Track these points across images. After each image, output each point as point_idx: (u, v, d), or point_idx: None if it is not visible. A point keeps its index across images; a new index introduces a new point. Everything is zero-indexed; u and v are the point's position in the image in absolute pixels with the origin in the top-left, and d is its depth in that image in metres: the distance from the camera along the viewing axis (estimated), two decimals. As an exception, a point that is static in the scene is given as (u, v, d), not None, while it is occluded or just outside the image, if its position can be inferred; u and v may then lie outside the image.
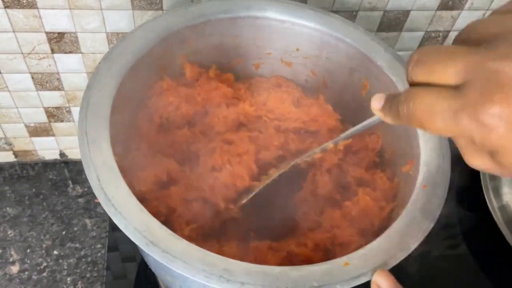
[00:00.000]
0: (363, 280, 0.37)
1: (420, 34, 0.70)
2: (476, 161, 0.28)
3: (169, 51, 0.52)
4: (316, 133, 0.56)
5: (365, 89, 0.55)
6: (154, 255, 0.36)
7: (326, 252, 0.46)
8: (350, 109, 0.57)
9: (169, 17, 0.52)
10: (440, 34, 0.71)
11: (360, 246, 0.42)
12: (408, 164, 0.48)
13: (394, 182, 0.50)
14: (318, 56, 0.57)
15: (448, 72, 0.27)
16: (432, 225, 0.40)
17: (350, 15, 0.65)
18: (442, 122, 0.27)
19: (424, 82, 0.28)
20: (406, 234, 0.40)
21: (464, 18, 0.69)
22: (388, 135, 0.54)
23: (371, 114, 0.55)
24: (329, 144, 0.49)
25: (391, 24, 0.67)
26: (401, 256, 0.38)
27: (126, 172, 0.42)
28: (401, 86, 0.50)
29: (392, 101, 0.32)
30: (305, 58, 0.58)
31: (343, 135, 0.47)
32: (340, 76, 0.57)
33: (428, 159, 0.45)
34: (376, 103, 0.34)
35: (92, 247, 0.74)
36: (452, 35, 0.71)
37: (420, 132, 0.47)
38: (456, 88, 0.26)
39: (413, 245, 0.39)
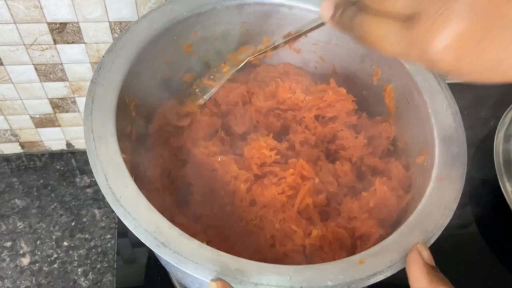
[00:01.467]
0: (379, 278, 0.36)
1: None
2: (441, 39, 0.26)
3: (174, 41, 0.51)
4: (335, 118, 0.55)
5: (377, 76, 0.53)
6: (165, 257, 0.35)
7: (344, 244, 0.46)
8: (362, 96, 0.56)
9: (173, 6, 0.50)
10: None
11: (380, 238, 0.42)
12: (422, 155, 0.46)
13: (410, 171, 0.49)
14: (327, 42, 0.55)
15: (398, 3, 0.27)
16: (448, 220, 0.39)
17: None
18: (392, 50, 0.28)
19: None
20: (422, 229, 0.39)
21: None
22: (399, 123, 0.52)
23: (383, 102, 0.54)
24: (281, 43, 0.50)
25: None
26: (417, 253, 0.37)
27: (133, 168, 0.41)
28: (415, 73, 0.48)
29: (343, 14, 0.33)
30: (314, 45, 0.56)
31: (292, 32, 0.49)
32: (350, 62, 0.55)
33: (443, 150, 0.44)
34: (325, 11, 0.35)
35: (102, 237, 0.74)
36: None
37: (434, 121, 0.45)
38: (406, 20, 0.27)
39: (430, 241, 0.38)
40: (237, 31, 0.55)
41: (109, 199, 0.37)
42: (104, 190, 0.38)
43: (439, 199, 0.40)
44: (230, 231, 0.46)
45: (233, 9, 0.52)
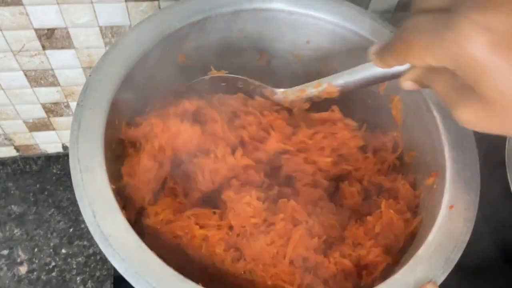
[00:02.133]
0: (385, 321, 0.34)
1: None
2: (465, 111, 0.29)
3: (167, 53, 0.48)
4: (348, 156, 0.51)
5: (383, 86, 0.50)
6: (158, 302, 0.33)
7: (350, 275, 0.43)
8: (366, 105, 0.53)
9: (165, 16, 0.47)
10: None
11: (387, 266, 0.39)
12: (431, 176, 0.43)
13: (418, 191, 0.46)
14: (330, 49, 0.52)
15: None
16: (460, 254, 0.37)
17: (366, -6, 0.59)
18: (427, 42, 0.28)
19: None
20: (432, 265, 0.36)
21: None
22: (407, 136, 0.49)
23: (389, 114, 0.51)
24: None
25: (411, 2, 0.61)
26: (427, 292, 0.35)
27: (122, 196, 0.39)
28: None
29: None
30: (317, 51, 0.53)
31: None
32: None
33: (454, 173, 0.41)
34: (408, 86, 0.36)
35: (101, 244, 0.72)
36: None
37: (445, 141, 0.42)
38: (446, 10, 0.27)
39: (440, 277, 0.36)
40: (234, 38, 0.52)
41: (97, 238, 0.35)
42: (92, 228, 0.36)
43: (450, 230, 0.38)
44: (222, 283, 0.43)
45: (229, 16, 0.49)
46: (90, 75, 0.42)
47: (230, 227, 0.44)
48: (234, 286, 0.42)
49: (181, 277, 0.34)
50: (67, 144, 0.78)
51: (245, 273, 0.42)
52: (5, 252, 0.71)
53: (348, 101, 0.53)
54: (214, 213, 0.45)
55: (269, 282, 0.41)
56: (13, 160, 0.79)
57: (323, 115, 0.51)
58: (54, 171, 0.78)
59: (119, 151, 0.45)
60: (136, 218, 0.45)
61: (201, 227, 0.43)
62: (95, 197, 0.37)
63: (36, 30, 0.56)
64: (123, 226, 0.36)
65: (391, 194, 0.47)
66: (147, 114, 0.47)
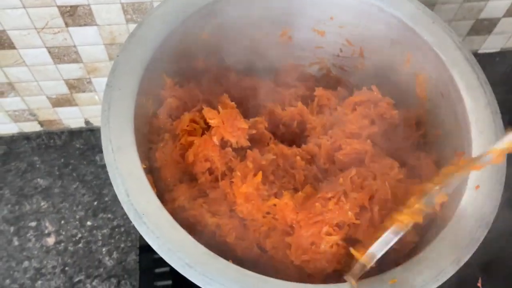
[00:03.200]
0: (410, 298, 0.35)
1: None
2: None
3: (190, 31, 0.48)
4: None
5: (408, 63, 0.50)
6: (191, 278, 0.35)
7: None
8: (390, 82, 0.53)
9: (189, -6, 0.47)
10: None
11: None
12: (457, 155, 0.44)
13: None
14: (355, 25, 0.52)
15: None
16: (485, 233, 0.37)
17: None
18: None
19: None
20: (456, 244, 0.37)
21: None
22: (432, 115, 0.49)
23: (413, 91, 0.50)
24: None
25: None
26: (451, 271, 0.36)
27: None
28: (451, 65, 0.45)
29: None
30: (341, 27, 0.53)
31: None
32: (379, 47, 0.52)
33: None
34: None
35: (124, 217, 0.74)
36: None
37: (472, 120, 0.42)
38: None
39: (464, 257, 0.36)
40: (257, 14, 0.51)
41: (131, 216, 0.36)
42: (126, 207, 0.37)
43: (475, 210, 0.38)
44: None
45: (254, -7, 0.49)
46: (117, 56, 0.43)
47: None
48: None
49: (212, 254, 0.36)
50: (89, 120, 0.79)
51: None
52: (33, 224, 0.73)
53: (371, 79, 0.53)
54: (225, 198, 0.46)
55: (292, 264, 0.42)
56: (38, 134, 0.80)
57: (363, 96, 0.50)
58: (77, 145, 0.80)
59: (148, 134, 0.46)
60: None
61: (213, 215, 0.44)
62: (127, 176, 0.38)
63: (59, 7, 0.57)
64: (156, 205, 0.37)
65: (415, 172, 0.47)
66: None
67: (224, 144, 0.47)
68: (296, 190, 0.45)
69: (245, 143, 0.46)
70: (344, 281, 0.36)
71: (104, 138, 0.39)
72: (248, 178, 0.44)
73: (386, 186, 0.42)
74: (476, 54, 0.76)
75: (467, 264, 0.36)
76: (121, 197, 0.37)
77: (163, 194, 0.45)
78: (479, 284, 0.64)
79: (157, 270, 0.66)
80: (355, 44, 0.53)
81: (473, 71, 0.44)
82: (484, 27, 0.72)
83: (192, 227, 0.43)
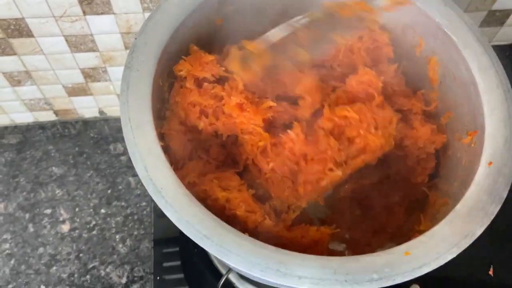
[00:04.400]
0: (425, 270, 0.35)
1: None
2: None
3: (206, 16, 0.49)
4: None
5: (420, 47, 0.50)
6: (208, 249, 0.35)
7: None
8: (402, 66, 0.53)
9: (205, -21, 0.48)
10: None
11: None
12: (469, 135, 0.44)
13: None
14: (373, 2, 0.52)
15: None
16: (498, 208, 0.38)
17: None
18: None
19: None
20: (470, 218, 0.37)
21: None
22: (444, 98, 0.50)
23: (426, 75, 0.51)
24: None
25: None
26: (465, 244, 0.36)
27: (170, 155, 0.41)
28: (463, 47, 0.45)
29: None
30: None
31: None
32: (391, 31, 0.52)
33: (494, 131, 0.42)
34: None
35: (138, 205, 0.75)
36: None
37: (484, 100, 0.43)
38: None
39: (478, 230, 0.37)
40: (270, 2, 0.52)
41: (150, 190, 0.37)
42: (145, 181, 0.38)
43: (488, 186, 0.39)
44: None
45: (268, -22, 0.50)
46: (135, 38, 0.44)
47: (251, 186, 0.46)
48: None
49: (228, 226, 0.37)
50: (104, 109, 0.80)
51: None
52: (48, 211, 0.75)
53: (381, 64, 0.53)
54: (236, 174, 0.47)
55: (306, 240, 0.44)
56: (52, 124, 0.81)
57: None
58: (92, 135, 0.81)
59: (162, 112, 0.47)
60: None
61: (223, 189, 0.45)
62: (146, 153, 0.39)
63: (77, -5, 0.58)
64: (174, 180, 0.38)
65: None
66: None
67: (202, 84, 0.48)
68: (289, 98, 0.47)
69: (221, 73, 0.48)
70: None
71: (124, 116, 0.40)
72: (235, 90, 0.46)
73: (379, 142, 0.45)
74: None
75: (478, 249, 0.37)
76: (140, 172, 0.38)
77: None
78: (490, 272, 0.65)
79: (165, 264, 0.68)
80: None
81: (485, 51, 0.44)
82: (497, 18, 0.73)
83: (202, 202, 0.44)
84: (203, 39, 0.51)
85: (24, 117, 0.79)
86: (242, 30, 0.54)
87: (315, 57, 0.50)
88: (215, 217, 0.37)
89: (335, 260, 0.35)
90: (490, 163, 0.40)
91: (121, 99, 0.41)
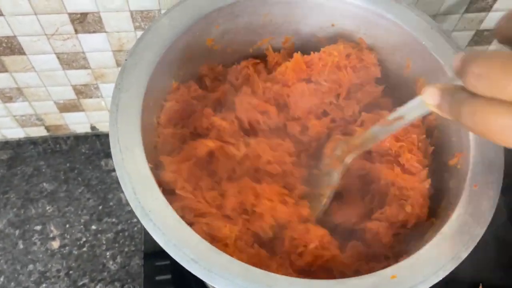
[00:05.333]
0: (411, 294, 0.35)
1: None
2: None
3: (196, 37, 0.49)
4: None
5: (408, 69, 0.51)
6: (195, 272, 0.35)
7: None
8: (391, 85, 0.54)
9: (195, 1, 0.48)
10: (490, -3, 0.65)
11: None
12: (455, 156, 0.45)
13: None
14: (355, 31, 0.53)
15: None
16: (483, 231, 0.38)
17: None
18: None
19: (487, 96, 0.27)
20: (456, 241, 0.38)
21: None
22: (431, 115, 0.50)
23: (413, 92, 0.52)
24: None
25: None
26: (451, 267, 0.37)
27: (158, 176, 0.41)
28: (449, 70, 0.46)
29: (452, 101, 0.30)
30: (341, 34, 0.54)
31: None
32: (380, 52, 0.53)
33: (478, 153, 0.42)
34: (430, 98, 0.32)
35: (129, 221, 0.75)
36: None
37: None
38: None
39: (464, 253, 0.37)
40: (260, 21, 0.53)
41: (138, 213, 0.37)
42: (133, 204, 0.38)
43: (474, 208, 0.39)
44: None
45: (257, 1, 0.50)
46: (126, 60, 0.44)
47: None
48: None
49: (216, 250, 0.37)
50: (95, 125, 0.80)
51: None
52: (38, 227, 0.74)
53: (368, 84, 0.54)
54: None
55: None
56: (44, 139, 0.81)
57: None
58: (83, 150, 0.81)
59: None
60: None
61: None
62: (134, 175, 0.39)
63: (69, 14, 0.58)
64: (162, 202, 0.38)
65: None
66: None
67: None
68: None
69: None
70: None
71: (112, 138, 0.40)
72: None
73: None
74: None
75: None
76: (128, 195, 0.38)
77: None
78: (480, 290, 0.65)
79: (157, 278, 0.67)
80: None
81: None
82: (485, 38, 0.74)
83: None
84: (195, 59, 0.52)
85: (15, 133, 0.79)
86: (233, 50, 0.55)
87: None
88: (203, 240, 0.37)
89: (322, 284, 0.36)
90: (475, 185, 0.40)
91: (110, 120, 0.41)
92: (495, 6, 0.67)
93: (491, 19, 0.69)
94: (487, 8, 0.67)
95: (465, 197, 0.40)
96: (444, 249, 0.37)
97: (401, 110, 0.40)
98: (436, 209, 0.45)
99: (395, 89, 0.54)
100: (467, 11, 0.67)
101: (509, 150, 0.39)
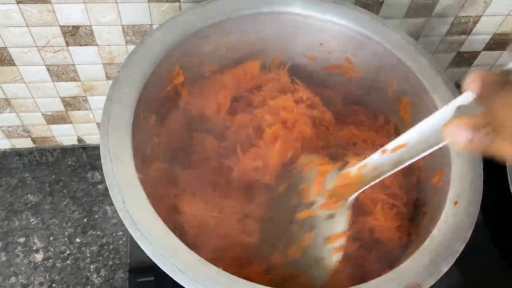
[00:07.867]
0: (393, 307, 0.36)
1: (450, 19, 0.67)
2: None
3: (187, 52, 0.50)
4: None
5: (392, 88, 0.53)
6: (182, 283, 0.36)
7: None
8: (375, 104, 0.55)
9: (187, 17, 0.49)
10: (471, 19, 0.68)
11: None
12: (437, 174, 0.46)
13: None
14: (343, 51, 0.55)
15: None
16: (463, 247, 0.39)
17: (377, 1, 0.62)
18: None
19: None
20: (436, 256, 0.39)
21: (499, 3, 0.65)
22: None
23: (398, 113, 0.53)
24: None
25: (420, 9, 0.64)
26: (431, 281, 0.38)
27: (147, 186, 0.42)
28: (432, 90, 0.48)
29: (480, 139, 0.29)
30: (329, 53, 0.56)
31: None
32: (365, 72, 0.55)
33: (460, 171, 0.44)
34: (460, 136, 0.30)
35: (114, 234, 0.75)
36: (484, 20, 0.68)
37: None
38: None
39: (444, 268, 0.38)
40: (250, 39, 0.54)
41: (126, 222, 0.38)
42: (122, 214, 0.38)
43: (454, 224, 0.41)
44: None
45: (248, 18, 0.52)
46: (118, 72, 0.45)
47: None
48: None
49: (203, 261, 0.37)
50: (83, 137, 0.80)
51: None
52: (22, 240, 0.74)
53: (356, 104, 0.56)
54: None
55: None
56: (30, 151, 0.81)
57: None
58: (69, 163, 0.81)
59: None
60: None
61: None
62: (124, 185, 0.39)
63: (61, 27, 0.59)
64: (151, 213, 0.39)
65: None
66: None
67: None
68: None
69: None
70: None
71: (103, 148, 0.41)
72: None
73: None
74: (457, 85, 0.80)
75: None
76: (117, 204, 0.39)
77: None
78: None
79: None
80: (343, 70, 0.56)
81: (452, 95, 0.47)
82: (465, 59, 0.76)
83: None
84: (187, 73, 0.53)
85: (1, 144, 0.79)
86: (224, 65, 0.56)
87: None
88: (190, 251, 0.37)
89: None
90: (456, 202, 0.42)
91: (101, 131, 0.42)
92: (475, 29, 0.69)
93: (471, 42, 0.72)
94: (467, 32, 0.70)
95: (446, 213, 0.41)
96: (425, 264, 0.38)
97: (405, 136, 0.38)
98: (417, 225, 0.46)
99: (380, 108, 0.56)
100: (448, 34, 0.69)
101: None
